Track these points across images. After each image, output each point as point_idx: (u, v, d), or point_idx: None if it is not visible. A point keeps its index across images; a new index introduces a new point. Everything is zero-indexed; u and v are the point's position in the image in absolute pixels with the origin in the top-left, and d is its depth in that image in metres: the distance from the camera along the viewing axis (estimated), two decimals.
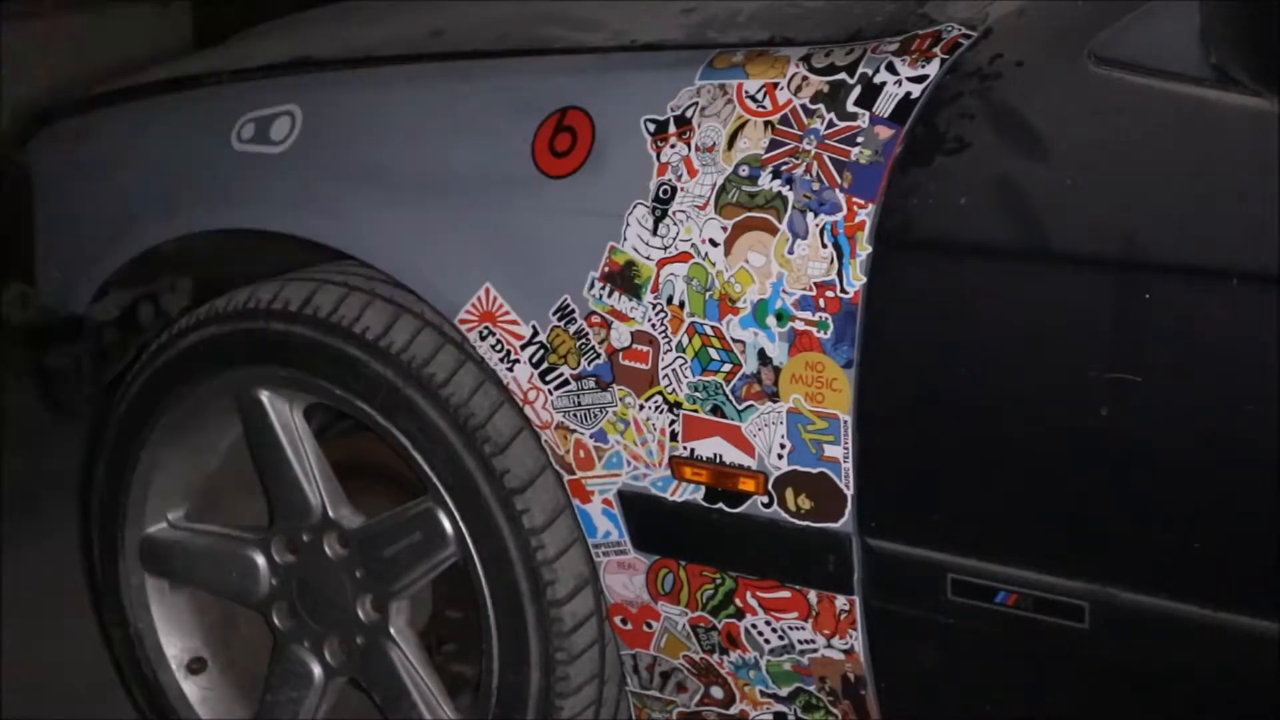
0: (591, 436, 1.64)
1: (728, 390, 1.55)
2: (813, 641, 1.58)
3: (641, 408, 1.60)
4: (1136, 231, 1.35)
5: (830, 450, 1.50)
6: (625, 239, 1.59)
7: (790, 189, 1.50)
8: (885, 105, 1.48)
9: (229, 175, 1.88)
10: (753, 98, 1.55)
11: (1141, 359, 1.35)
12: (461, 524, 1.73)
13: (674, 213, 1.56)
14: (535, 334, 1.65)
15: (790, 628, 1.59)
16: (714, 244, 1.54)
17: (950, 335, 1.44)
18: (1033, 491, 1.43)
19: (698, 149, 1.56)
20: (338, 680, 1.95)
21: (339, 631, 1.90)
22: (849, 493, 1.51)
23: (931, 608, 1.49)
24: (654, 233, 1.57)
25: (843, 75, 1.52)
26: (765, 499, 1.55)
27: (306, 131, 1.83)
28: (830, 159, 1.49)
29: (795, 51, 1.56)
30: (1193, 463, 1.35)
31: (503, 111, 1.69)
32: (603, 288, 1.60)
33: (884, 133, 1.47)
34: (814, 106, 1.52)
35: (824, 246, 1.48)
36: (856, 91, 1.50)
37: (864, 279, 1.46)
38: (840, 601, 1.55)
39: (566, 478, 1.67)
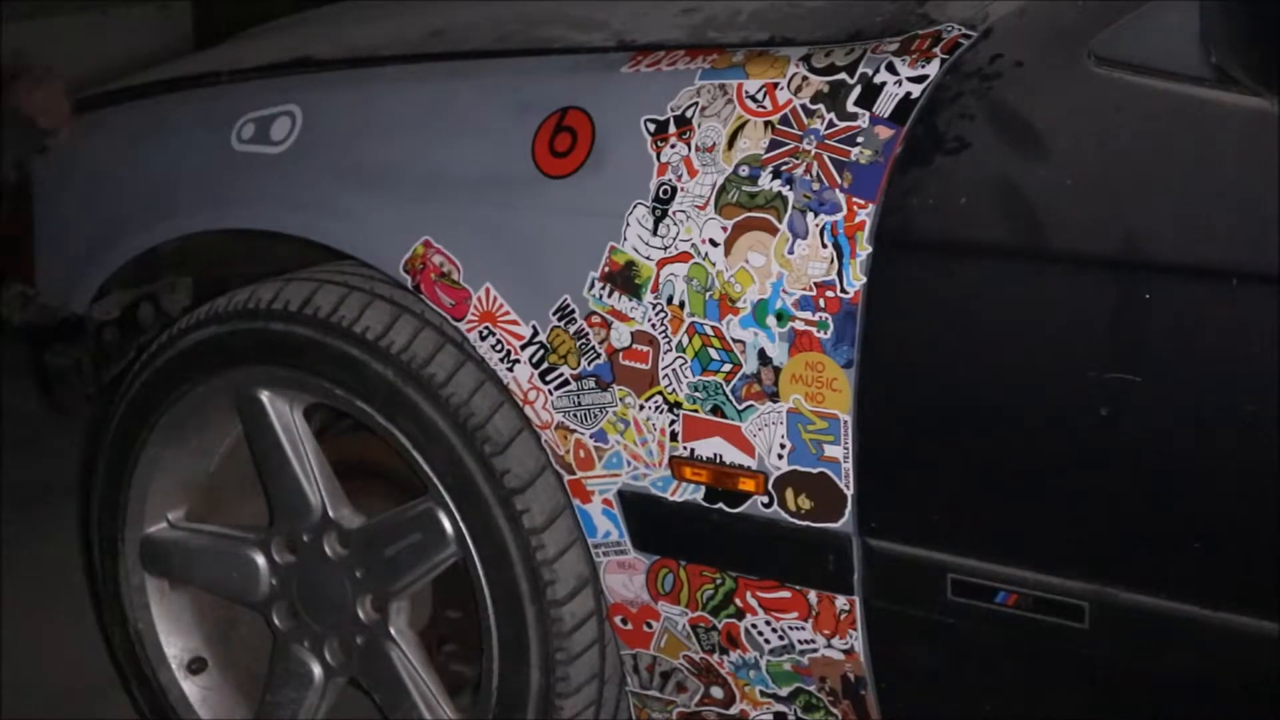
0: (591, 436, 1.64)
1: (728, 390, 1.55)
2: (813, 641, 1.58)
3: (641, 408, 1.60)
4: (1136, 231, 1.35)
5: (830, 450, 1.50)
6: (625, 239, 1.59)
7: (790, 189, 1.50)
8: (885, 105, 1.48)
9: (229, 175, 1.88)
10: (753, 98, 1.55)
11: (1141, 359, 1.35)
12: (461, 524, 1.73)
13: (674, 213, 1.56)
14: (535, 334, 1.65)
15: (790, 628, 1.59)
16: (714, 244, 1.54)
17: (950, 335, 1.44)
18: (1032, 491, 1.43)
19: (698, 149, 1.56)
20: (338, 680, 1.95)
21: (339, 631, 1.90)
22: (849, 493, 1.51)
23: (931, 608, 1.49)
24: (654, 233, 1.57)
25: (843, 75, 1.52)
26: (765, 499, 1.56)
27: (306, 131, 1.83)
28: (830, 159, 1.49)
29: (795, 51, 1.56)
30: (1193, 463, 1.35)
31: (503, 111, 1.69)
32: (603, 288, 1.60)
33: (884, 133, 1.47)
34: (814, 106, 1.52)
35: (824, 246, 1.48)
36: (856, 91, 1.50)
37: (864, 279, 1.46)
38: (840, 601, 1.55)
39: (566, 478, 1.67)
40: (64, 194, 2.13)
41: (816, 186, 1.49)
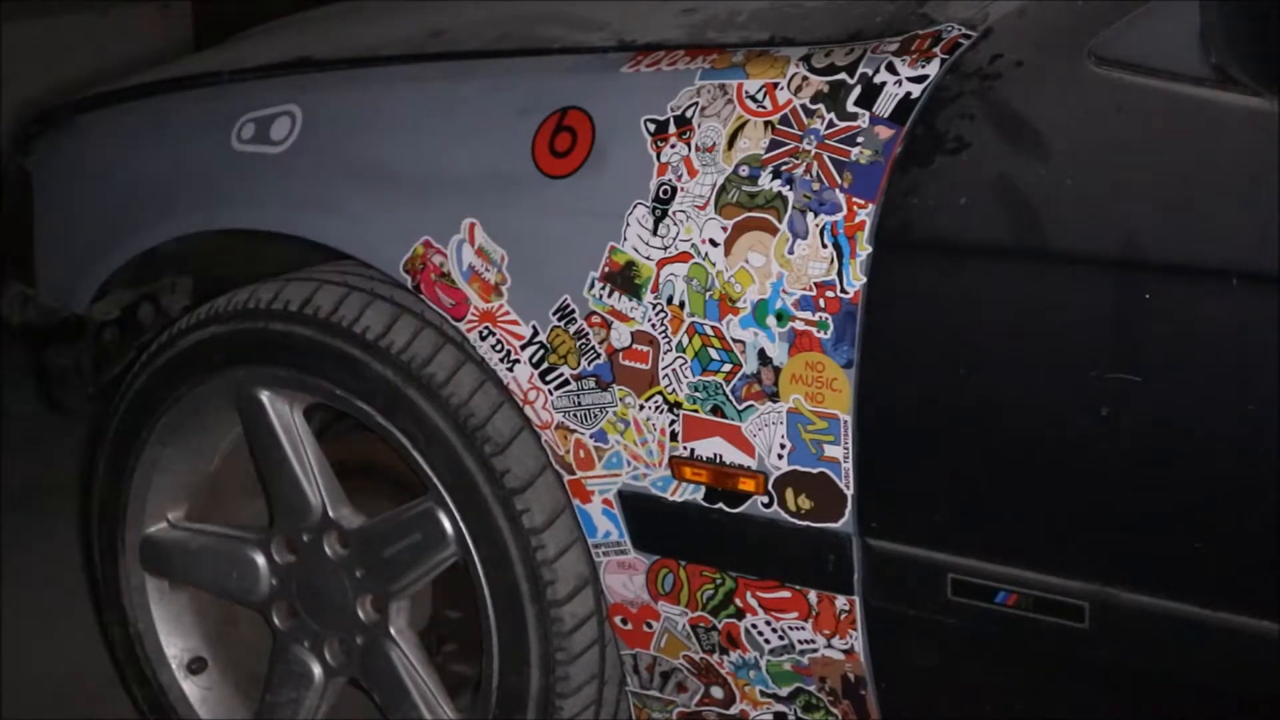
0: (591, 436, 1.64)
1: (728, 390, 1.55)
2: (813, 641, 1.58)
3: (641, 408, 1.60)
4: (1136, 231, 1.35)
5: (830, 450, 1.50)
6: (625, 239, 1.59)
7: (790, 189, 1.50)
8: (885, 105, 1.48)
9: (229, 175, 1.88)
10: (753, 98, 1.55)
11: (1141, 359, 1.35)
12: (461, 524, 1.73)
13: (674, 213, 1.56)
14: (535, 334, 1.65)
15: (790, 628, 1.59)
16: (714, 244, 1.54)
17: (950, 335, 1.44)
18: (1032, 491, 1.43)
19: (698, 149, 1.56)
20: (338, 680, 1.95)
21: (339, 631, 1.90)
22: (849, 493, 1.51)
23: (931, 608, 1.49)
24: (654, 233, 1.57)
25: (843, 75, 1.52)
26: (765, 499, 1.56)
27: (306, 131, 1.83)
28: (830, 159, 1.49)
29: (795, 51, 1.56)
30: (1192, 463, 1.35)
31: (503, 111, 1.69)
32: (603, 288, 1.60)
33: (884, 133, 1.47)
34: (814, 106, 1.52)
35: (824, 246, 1.48)
36: (856, 91, 1.50)
37: (864, 279, 1.46)
38: (840, 601, 1.55)
39: (566, 478, 1.67)
40: (64, 194, 2.13)
41: (816, 186, 1.49)
